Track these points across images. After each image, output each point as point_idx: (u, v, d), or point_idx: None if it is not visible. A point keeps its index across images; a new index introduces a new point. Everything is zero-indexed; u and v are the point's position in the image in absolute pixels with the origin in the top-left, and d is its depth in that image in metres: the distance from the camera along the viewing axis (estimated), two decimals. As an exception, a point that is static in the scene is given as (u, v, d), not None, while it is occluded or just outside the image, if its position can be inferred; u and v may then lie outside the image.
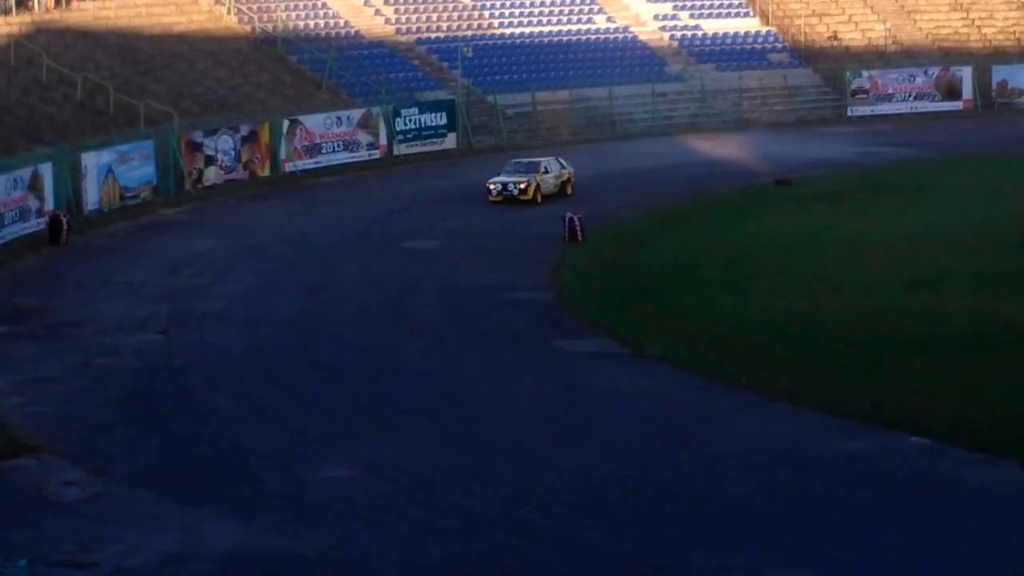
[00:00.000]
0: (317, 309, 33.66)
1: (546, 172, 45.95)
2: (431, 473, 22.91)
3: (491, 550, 19.96)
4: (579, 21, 65.31)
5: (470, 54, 60.01)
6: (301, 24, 60.46)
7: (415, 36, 62.32)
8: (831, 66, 65.70)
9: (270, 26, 59.36)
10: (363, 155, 53.75)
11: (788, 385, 26.70)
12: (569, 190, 46.26)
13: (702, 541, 20.14)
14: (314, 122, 52.56)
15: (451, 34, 62.56)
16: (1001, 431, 24.05)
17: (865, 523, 20.68)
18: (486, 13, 64.29)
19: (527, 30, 64.17)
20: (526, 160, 47.41)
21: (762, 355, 28.77)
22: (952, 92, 64.60)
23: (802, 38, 67.26)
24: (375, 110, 54.39)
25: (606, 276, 36.35)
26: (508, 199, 44.77)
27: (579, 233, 39.90)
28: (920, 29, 69.28)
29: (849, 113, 63.51)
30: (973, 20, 69.72)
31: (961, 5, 70.19)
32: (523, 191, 44.71)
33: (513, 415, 25.85)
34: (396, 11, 62.87)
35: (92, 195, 44.18)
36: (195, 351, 30.18)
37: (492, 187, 45.18)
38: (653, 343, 29.61)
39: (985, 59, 66.23)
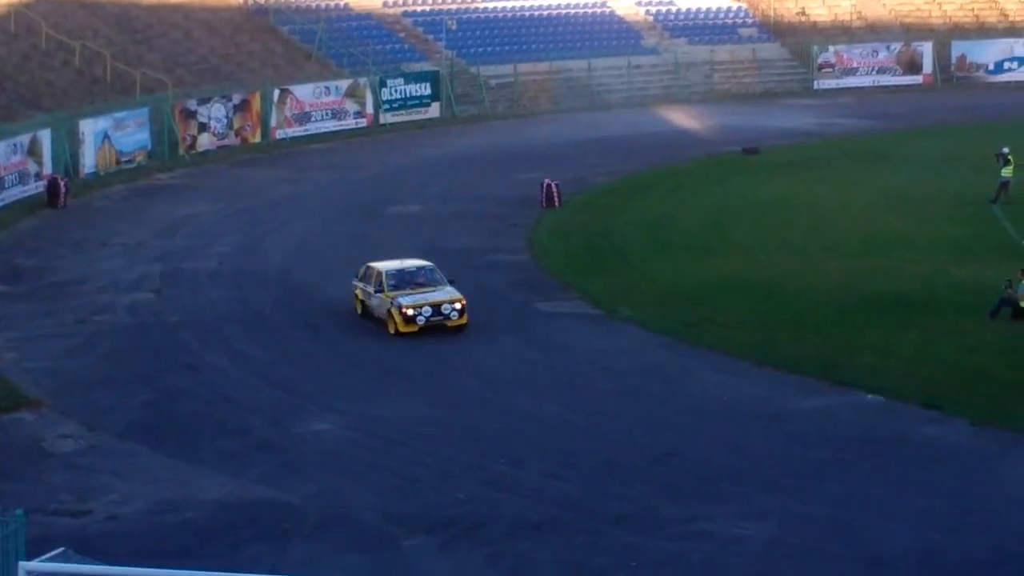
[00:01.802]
0: (305, 270, 33.63)
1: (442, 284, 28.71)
2: (411, 427, 22.98)
3: (468, 500, 20.05)
4: (559, -5, 65.07)
5: (454, 26, 59.82)
6: (291, -4, 60.07)
7: (401, 9, 62.04)
8: (799, 41, 65.64)
9: (262, -2, 58.97)
10: (350, 123, 53.64)
11: (752, 344, 26.81)
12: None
13: (668, 493, 20.26)
14: (304, 91, 52.40)
15: (436, 7, 62.32)
16: (952, 390, 24.21)
17: (822, 477, 20.82)
18: (469, -13, 63.96)
19: (509, 4, 63.93)
20: (411, 265, 29.40)
21: (728, 316, 28.86)
22: (913, 66, 64.60)
23: (771, 13, 67.17)
24: (362, 80, 54.22)
25: (581, 240, 36.37)
26: (433, 328, 27.79)
27: (556, 199, 39.90)
28: (884, 6, 69.20)
29: (815, 86, 63.47)
30: (934, -3, 69.65)
31: (923, -17, 70.04)
32: (460, 313, 28.01)
33: (491, 372, 25.90)
34: (383, -16, 62.53)
35: (89, 159, 44.02)
36: (187, 309, 30.15)
37: (409, 311, 27.59)
38: (625, 305, 29.67)
39: (945, 35, 66.21)
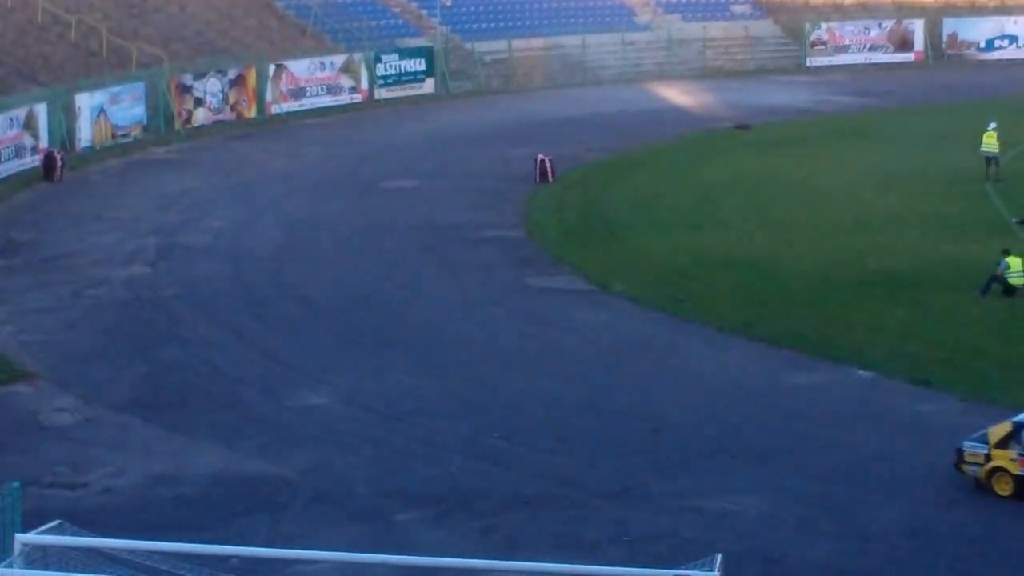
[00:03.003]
0: (299, 244, 33.51)
1: None
2: (404, 401, 22.93)
3: (461, 473, 20.02)
4: (553, -28, 64.80)
5: (449, 2, 59.55)
6: (287, -28, 59.80)
7: (396, -16, 61.69)
8: (791, 18, 65.44)
9: (257, -27, 58.67)
10: (345, 99, 53.42)
11: (743, 320, 26.76)
12: None
13: (659, 467, 20.24)
14: (299, 67, 52.17)
15: (430, -17, 61.97)
16: (942, 365, 24.19)
17: (813, 451, 20.80)
18: (464, -37, 63.67)
19: (503, -20, 63.61)
20: None
21: (720, 292, 28.80)
22: (905, 44, 64.42)
23: (764, -9, 66.92)
24: (357, 56, 53.99)
25: (574, 215, 36.27)
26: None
27: (549, 174, 39.79)
28: (876, -17, 68.92)
29: (807, 63, 63.27)
30: (926, -25, 69.41)
31: (915, -39, 69.84)
32: None
33: (484, 347, 25.85)
34: (378, -40, 62.25)
35: (85, 133, 43.80)
36: (182, 283, 30.04)
37: None
38: (617, 280, 29.60)
39: (936, 13, 66.01)
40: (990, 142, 39.09)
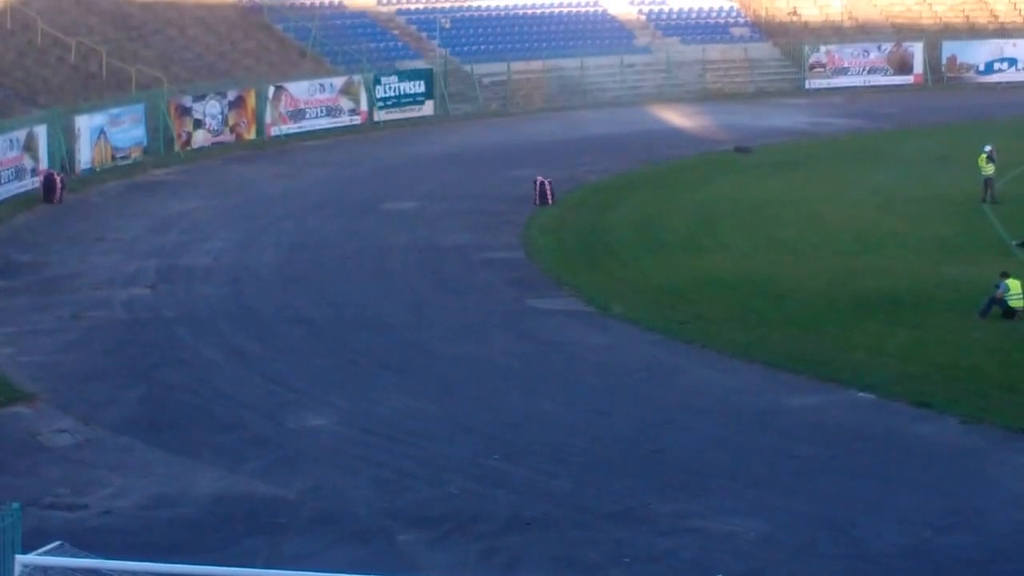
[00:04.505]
0: (299, 266, 33.59)
1: None
2: (405, 422, 22.96)
3: (461, 495, 20.03)
4: (552, -6, 65.08)
5: (448, 25, 59.80)
6: (286, -6, 60.06)
7: (396, 7, 62.00)
8: (790, 40, 65.70)
9: (257, -5, 58.93)
10: (345, 121, 53.60)
11: (743, 342, 26.81)
12: None
13: (660, 489, 20.25)
14: (298, 88, 52.35)
15: (430, 6, 62.28)
16: (943, 387, 24.22)
17: (813, 474, 20.83)
18: (463, -15, 63.95)
19: (503, 2, 63.91)
20: None
21: (720, 314, 28.86)
22: (904, 67, 64.68)
23: (763, 13, 67.21)
24: (356, 78, 54.17)
25: (574, 237, 36.36)
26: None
27: (549, 196, 39.91)
28: (875, 6, 69.25)
29: (806, 85, 63.53)
30: (925, -2, 69.74)
31: (914, -17, 70.15)
32: None
33: (484, 368, 25.89)
34: (377, -18, 62.53)
35: (85, 155, 43.95)
36: (182, 304, 30.10)
37: None
38: (617, 302, 29.66)
39: (935, 35, 66.29)
40: (982, 165, 39.27)
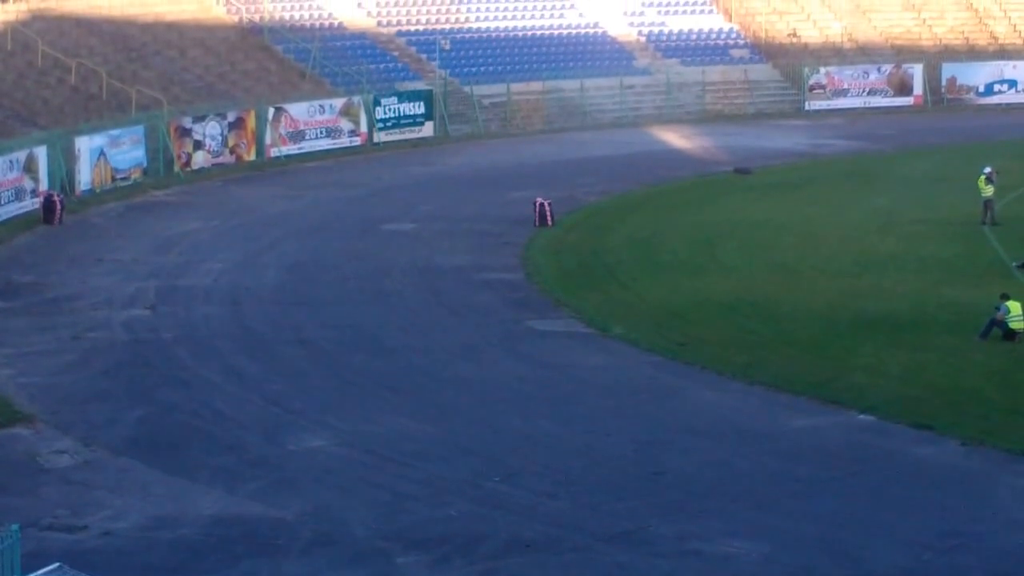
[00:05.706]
0: (299, 287, 33.63)
1: None
2: (404, 444, 22.96)
3: (461, 517, 20.03)
4: (552, 16, 65.30)
5: (448, 46, 59.97)
6: (286, 15, 60.32)
7: (395, 28, 62.23)
8: (790, 62, 65.88)
9: (257, 17, 59.18)
10: (344, 142, 53.72)
11: (743, 363, 26.83)
12: None
13: (660, 511, 20.26)
14: (298, 110, 52.48)
15: (430, 27, 62.49)
16: (943, 409, 24.24)
17: (813, 495, 20.84)
18: (463, 7, 64.21)
19: (502, 24, 64.14)
20: None
21: (720, 335, 28.89)
22: (904, 88, 64.86)
23: (763, 35, 67.41)
24: (356, 99, 54.31)
25: (573, 258, 36.41)
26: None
27: (548, 217, 39.98)
28: (875, 28, 69.47)
29: (806, 107, 63.68)
30: (924, 20, 69.97)
31: (913, 5, 70.43)
32: None
33: (483, 389, 25.90)
34: (378, 4, 62.77)
35: (85, 176, 44.02)
36: (182, 325, 30.13)
37: None
38: (617, 323, 29.70)
39: (935, 57, 66.50)
40: (981, 186, 39.39)
